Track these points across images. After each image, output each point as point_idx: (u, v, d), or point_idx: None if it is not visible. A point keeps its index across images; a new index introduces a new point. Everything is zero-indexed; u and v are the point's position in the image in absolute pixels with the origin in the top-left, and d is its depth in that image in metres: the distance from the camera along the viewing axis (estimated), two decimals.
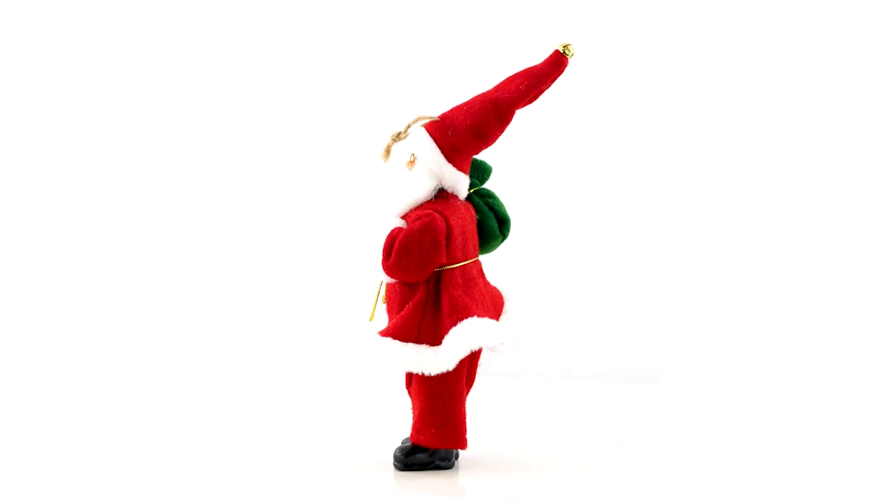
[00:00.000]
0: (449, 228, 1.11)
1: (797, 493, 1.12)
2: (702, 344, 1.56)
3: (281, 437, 1.25)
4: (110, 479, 1.15)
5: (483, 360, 1.21)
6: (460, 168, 1.14)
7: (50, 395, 1.36)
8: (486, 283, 1.19)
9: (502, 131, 1.14)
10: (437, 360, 1.11)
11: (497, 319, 1.16)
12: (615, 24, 1.71)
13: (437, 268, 1.12)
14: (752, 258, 1.71)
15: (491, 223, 1.17)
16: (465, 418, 1.16)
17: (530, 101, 1.14)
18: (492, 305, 1.16)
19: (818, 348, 1.52)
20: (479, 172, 1.18)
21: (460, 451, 1.19)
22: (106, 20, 1.73)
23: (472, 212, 1.17)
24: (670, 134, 1.73)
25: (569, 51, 1.13)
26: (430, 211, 1.11)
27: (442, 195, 1.14)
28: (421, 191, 1.13)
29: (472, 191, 1.18)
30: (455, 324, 1.11)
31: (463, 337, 1.10)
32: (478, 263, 1.18)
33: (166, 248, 1.72)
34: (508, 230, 1.19)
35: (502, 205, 1.19)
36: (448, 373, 1.12)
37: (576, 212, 1.72)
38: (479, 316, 1.12)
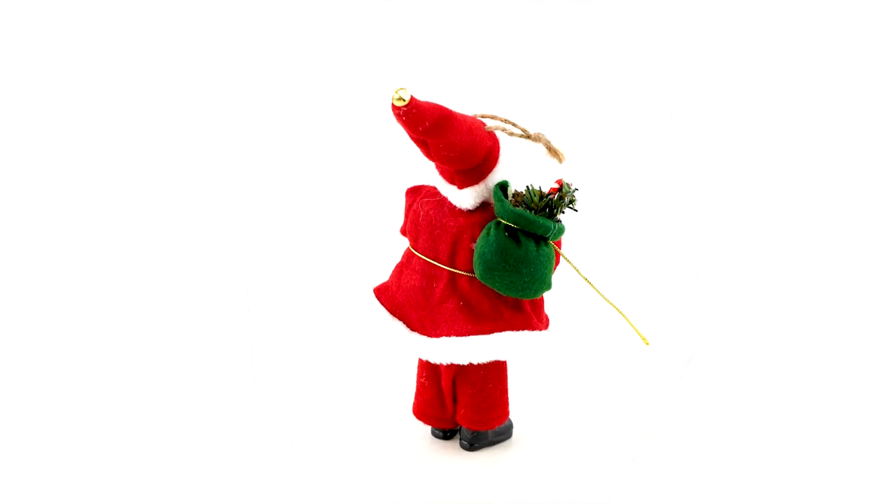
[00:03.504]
0: (407, 205, 1.19)
1: (807, 493, 1.12)
2: (710, 345, 1.55)
3: (281, 437, 1.25)
4: (111, 480, 1.15)
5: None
6: (441, 172, 1.15)
7: (47, 398, 1.36)
8: (446, 298, 1.14)
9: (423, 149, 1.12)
10: None
11: (410, 325, 1.16)
12: (618, 23, 1.71)
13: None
14: (763, 256, 1.70)
15: (475, 249, 1.13)
16: (421, 398, 1.22)
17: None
18: (409, 304, 1.15)
19: (833, 347, 1.51)
20: (526, 221, 1.11)
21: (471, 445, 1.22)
22: (95, 17, 1.73)
23: (458, 222, 1.13)
24: (680, 133, 1.73)
25: (400, 97, 1.02)
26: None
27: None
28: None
29: (508, 222, 1.11)
30: None
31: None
32: (438, 271, 1.14)
33: (167, 249, 1.72)
34: (482, 270, 1.10)
35: (491, 246, 1.09)
36: None
37: (581, 212, 1.72)
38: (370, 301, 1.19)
